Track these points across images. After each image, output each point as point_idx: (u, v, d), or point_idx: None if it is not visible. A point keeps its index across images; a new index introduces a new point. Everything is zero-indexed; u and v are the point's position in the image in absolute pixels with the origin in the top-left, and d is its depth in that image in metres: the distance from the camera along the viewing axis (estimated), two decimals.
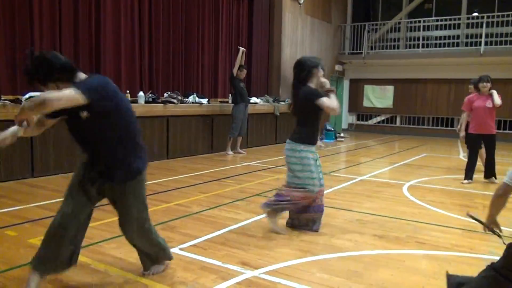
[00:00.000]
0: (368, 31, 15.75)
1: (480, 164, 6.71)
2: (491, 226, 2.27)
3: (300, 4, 13.08)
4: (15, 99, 5.81)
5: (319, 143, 3.99)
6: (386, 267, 3.14)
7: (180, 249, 3.38)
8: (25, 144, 5.84)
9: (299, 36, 13.28)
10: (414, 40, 15.46)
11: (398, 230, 4.04)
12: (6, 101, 5.66)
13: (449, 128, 14.89)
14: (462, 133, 6.86)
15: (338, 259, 3.28)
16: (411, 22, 15.53)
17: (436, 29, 15.04)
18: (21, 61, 6.50)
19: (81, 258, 3.10)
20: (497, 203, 2.20)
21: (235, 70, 8.88)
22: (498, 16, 13.63)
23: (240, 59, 8.90)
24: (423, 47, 14.92)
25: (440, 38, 15.02)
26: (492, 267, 2.12)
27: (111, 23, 7.88)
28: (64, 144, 6.33)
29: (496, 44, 13.75)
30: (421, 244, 3.66)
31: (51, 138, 6.16)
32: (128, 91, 7.87)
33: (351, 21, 16.48)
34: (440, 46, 14.93)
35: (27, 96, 6.16)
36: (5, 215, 4.18)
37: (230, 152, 8.99)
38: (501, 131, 13.21)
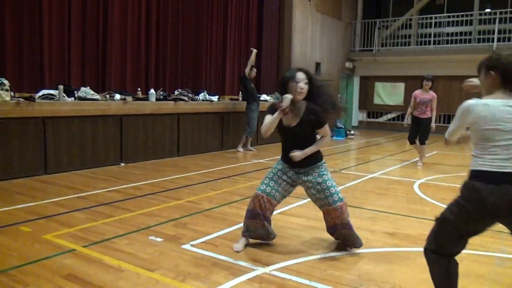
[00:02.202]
0: (379, 28, 15.66)
1: None
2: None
3: (310, 1, 13.04)
4: (29, 97, 5.88)
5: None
6: (398, 265, 3.14)
7: (192, 245, 3.41)
8: (38, 142, 5.92)
9: (309, 34, 13.24)
10: (426, 36, 15.34)
11: (410, 228, 4.02)
12: (20, 99, 5.73)
13: None
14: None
15: (349, 256, 3.28)
16: (422, 19, 15.41)
17: (448, 25, 14.90)
18: (30, 59, 6.61)
19: (94, 253, 3.16)
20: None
21: (247, 70, 8.91)
22: (511, 12, 13.45)
23: (252, 60, 8.93)
24: (434, 43, 14.80)
25: (452, 34, 14.88)
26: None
27: (119, 20, 7.94)
28: (76, 142, 6.41)
29: (509, 41, 13.58)
30: None
31: (63, 136, 6.23)
32: (139, 89, 7.94)
33: (362, 17, 16.39)
34: (452, 43, 14.79)
35: (40, 93, 6.26)
36: (20, 211, 4.24)
37: (241, 150, 9.02)
38: None
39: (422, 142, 7.77)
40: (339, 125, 13.06)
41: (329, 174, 3.37)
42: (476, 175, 2.11)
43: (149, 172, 6.54)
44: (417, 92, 7.67)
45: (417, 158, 8.02)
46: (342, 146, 10.92)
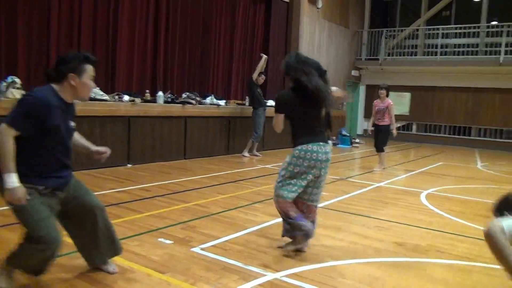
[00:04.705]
0: (386, 37, 15.70)
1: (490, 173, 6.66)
2: None
3: (318, 8, 13.09)
4: None
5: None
6: (407, 275, 3.13)
7: (201, 248, 3.42)
8: None
9: (316, 41, 13.29)
10: (432, 47, 15.37)
11: (418, 238, 4.02)
12: None
13: (466, 137, 14.77)
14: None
15: (359, 265, 3.28)
16: (429, 29, 15.44)
17: (455, 37, 14.93)
18: (39, 59, 6.66)
19: None
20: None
21: (255, 76, 8.94)
22: None
23: (262, 66, 8.97)
24: (441, 54, 14.82)
25: (459, 46, 14.91)
26: None
27: (128, 23, 7.99)
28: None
29: None
30: (442, 253, 3.64)
31: None
32: (147, 91, 7.97)
33: (369, 26, 16.43)
34: (458, 54, 14.82)
35: None
36: None
37: (247, 155, 9.03)
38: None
39: (380, 149, 8.19)
40: (344, 133, 13.08)
41: None
42: None
43: (156, 174, 6.55)
44: (376, 101, 8.27)
45: (423, 169, 8.02)
46: (347, 155, 10.92)
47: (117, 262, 3.03)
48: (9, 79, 5.63)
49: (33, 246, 2.40)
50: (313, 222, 3.47)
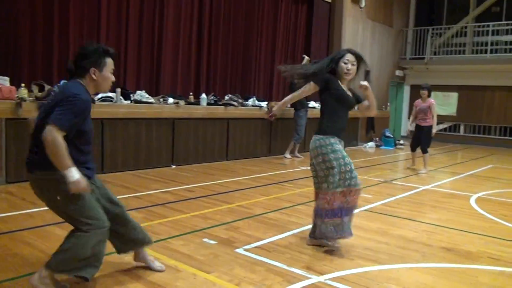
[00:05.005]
0: (432, 36, 15.22)
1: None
2: None
3: (361, 7, 12.88)
4: None
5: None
6: (458, 282, 3.02)
7: (245, 249, 3.43)
8: (96, 142, 6.17)
9: (359, 41, 13.07)
10: (482, 45, 14.75)
11: (469, 244, 3.86)
12: None
13: None
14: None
15: (406, 270, 3.19)
16: (478, 26, 14.83)
17: (506, 33, 14.26)
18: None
19: (152, 252, 3.24)
20: None
21: None
22: None
23: None
24: (491, 52, 14.20)
25: (510, 43, 14.23)
26: None
27: (173, 28, 8.20)
28: (131, 143, 6.63)
29: None
30: (495, 260, 3.48)
31: (119, 137, 6.46)
32: (191, 93, 8.12)
33: (414, 25, 16.00)
34: (510, 52, 14.14)
35: (99, 96, 6.52)
36: None
37: (288, 156, 9.02)
38: None
39: (425, 150, 7.97)
40: (388, 134, 12.79)
41: None
42: None
43: (199, 175, 6.66)
44: (417, 101, 8.13)
45: (471, 172, 7.71)
46: (391, 156, 10.67)
47: (164, 261, 3.10)
48: (62, 83, 5.87)
49: (89, 234, 2.49)
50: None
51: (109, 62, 2.62)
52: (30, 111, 5.39)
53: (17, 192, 4.95)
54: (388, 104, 14.67)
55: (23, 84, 5.65)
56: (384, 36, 14.46)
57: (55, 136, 2.34)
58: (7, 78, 5.61)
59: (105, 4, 7.10)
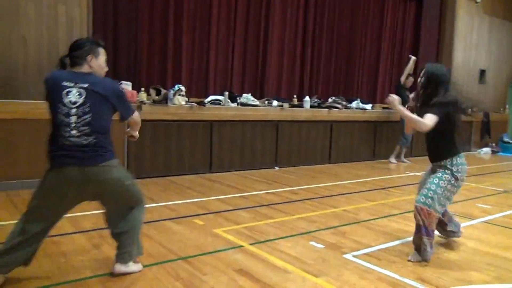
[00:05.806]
0: None
1: None
2: None
3: (477, 2, 11.89)
4: (200, 102, 6.50)
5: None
6: None
7: (354, 256, 3.36)
8: (205, 143, 6.51)
9: (474, 38, 12.08)
10: None
11: None
12: (194, 104, 6.38)
13: None
14: None
15: None
16: None
17: None
18: (199, 68, 7.36)
19: (261, 252, 3.32)
20: None
21: (403, 78, 8.55)
22: None
23: (410, 68, 8.56)
24: None
25: None
26: None
27: (278, 34, 8.36)
28: (237, 144, 6.87)
29: None
30: None
31: (226, 138, 6.73)
32: (294, 96, 8.18)
33: None
34: None
35: (209, 99, 6.86)
36: (193, 205, 4.69)
37: (394, 161, 8.65)
38: None
39: None
40: (506, 140, 11.66)
41: None
42: None
43: (302, 177, 6.67)
44: None
45: None
46: (511, 164, 9.70)
47: (271, 261, 3.15)
48: (176, 87, 6.29)
49: (141, 211, 2.89)
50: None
51: (102, 51, 2.76)
52: (149, 113, 5.87)
53: None
54: (507, 106, 13.36)
55: (142, 89, 6.20)
56: (504, 32, 13.18)
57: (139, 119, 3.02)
58: (129, 83, 6.16)
59: (215, 16, 7.48)
